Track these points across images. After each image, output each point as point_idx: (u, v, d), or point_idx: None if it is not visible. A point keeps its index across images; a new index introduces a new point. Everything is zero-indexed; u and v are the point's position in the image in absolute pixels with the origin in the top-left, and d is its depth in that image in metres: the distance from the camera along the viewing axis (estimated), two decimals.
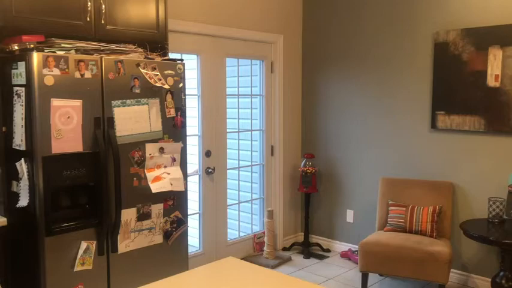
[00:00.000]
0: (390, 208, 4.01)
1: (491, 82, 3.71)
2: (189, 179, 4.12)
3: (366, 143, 4.57)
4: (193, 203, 4.28)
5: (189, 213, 4.16)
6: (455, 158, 3.99)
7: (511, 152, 3.69)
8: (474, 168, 3.89)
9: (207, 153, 4.24)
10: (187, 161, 3.06)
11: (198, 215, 4.29)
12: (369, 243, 3.72)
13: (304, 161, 4.76)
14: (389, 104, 4.38)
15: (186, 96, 2.97)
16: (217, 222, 4.38)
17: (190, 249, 4.30)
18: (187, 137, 3.60)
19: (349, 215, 4.75)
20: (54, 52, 2.38)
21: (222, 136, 4.36)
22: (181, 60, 2.95)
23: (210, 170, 4.25)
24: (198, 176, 4.24)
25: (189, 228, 4.17)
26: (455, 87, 3.91)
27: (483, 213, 3.76)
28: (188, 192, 4.04)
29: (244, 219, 4.83)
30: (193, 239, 4.34)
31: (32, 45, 2.37)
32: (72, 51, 2.48)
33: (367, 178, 4.55)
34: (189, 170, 4.17)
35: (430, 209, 3.82)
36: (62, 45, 2.49)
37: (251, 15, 4.44)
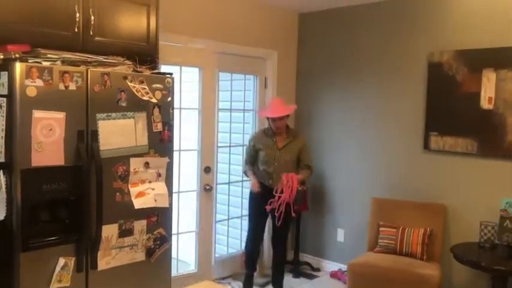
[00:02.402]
0: (381, 229, 3.95)
1: (485, 104, 3.68)
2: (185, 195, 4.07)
3: (358, 162, 4.52)
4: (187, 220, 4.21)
5: (183, 230, 4.13)
6: (448, 180, 3.94)
7: (503, 175, 3.65)
8: (466, 190, 3.84)
9: (206, 169, 4.18)
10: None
11: (194, 233, 4.21)
12: (357, 264, 3.66)
13: None
14: (382, 123, 4.35)
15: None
16: (208, 239, 4.29)
17: (185, 268, 4.21)
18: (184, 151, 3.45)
19: (340, 234, 4.68)
20: (39, 63, 2.33)
21: (216, 151, 4.33)
22: (170, 74, 2.91)
23: (207, 187, 4.21)
24: (195, 192, 4.17)
25: (183, 246, 4.08)
26: (448, 108, 3.88)
27: (475, 236, 3.69)
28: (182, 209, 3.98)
29: (233, 235, 4.75)
30: (186, 255, 4.27)
31: (16, 55, 2.32)
32: (58, 62, 2.43)
33: (359, 197, 4.49)
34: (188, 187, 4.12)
35: (421, 231, 3.76)
36: (48, 55, 2.44)
37: (245, 30, 4.41)
